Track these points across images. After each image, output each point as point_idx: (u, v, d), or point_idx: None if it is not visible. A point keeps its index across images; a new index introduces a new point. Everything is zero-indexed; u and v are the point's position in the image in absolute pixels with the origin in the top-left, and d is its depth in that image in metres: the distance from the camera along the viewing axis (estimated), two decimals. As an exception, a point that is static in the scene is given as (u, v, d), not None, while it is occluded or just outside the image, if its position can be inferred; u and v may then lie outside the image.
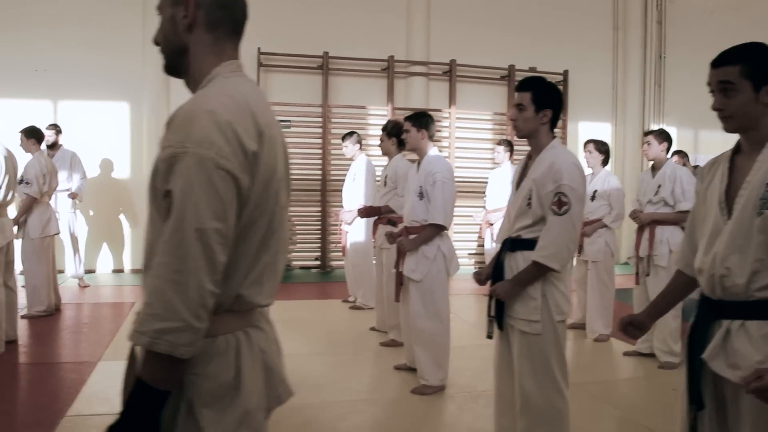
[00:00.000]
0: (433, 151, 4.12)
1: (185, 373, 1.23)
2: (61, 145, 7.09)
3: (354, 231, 6.16)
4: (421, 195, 4.04)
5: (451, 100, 9.00)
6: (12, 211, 5.29)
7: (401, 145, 5.07)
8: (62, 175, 7.07)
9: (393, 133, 5.10)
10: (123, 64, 8.05)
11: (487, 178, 7.17)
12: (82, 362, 4.43)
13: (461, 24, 9.02)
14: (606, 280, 5.34)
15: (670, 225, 4.56)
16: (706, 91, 1.80)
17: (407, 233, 4.09)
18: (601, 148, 5.53)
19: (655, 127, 9.95)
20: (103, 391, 3.85)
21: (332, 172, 8.53)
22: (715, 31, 9.81)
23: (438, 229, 3.97)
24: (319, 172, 8.55)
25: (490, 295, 2.79)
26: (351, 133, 6.39)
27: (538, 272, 2.62)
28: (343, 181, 6.48)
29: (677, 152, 6.77)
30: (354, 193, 6.20)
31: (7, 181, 4.64)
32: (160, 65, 1.44)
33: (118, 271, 8.34)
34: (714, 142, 9.30)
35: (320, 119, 8.55)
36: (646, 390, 4.17)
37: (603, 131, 9.58)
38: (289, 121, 8.53)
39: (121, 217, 8.38)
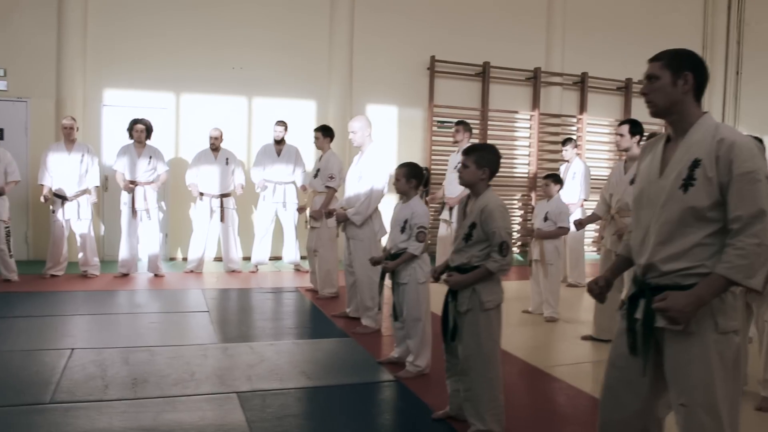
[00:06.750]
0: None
1: None
2: (285, 141, 7.74)
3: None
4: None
5: (582, 107, 10.14)
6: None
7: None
8: (288, 169, 7.76)
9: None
10: (311, 65, 8.68)
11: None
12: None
13: (590, 39, 10.16)
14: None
15: None
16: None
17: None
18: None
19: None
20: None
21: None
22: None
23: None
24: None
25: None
26: (569, 139, 7.43)
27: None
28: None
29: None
30: (571, 191, 7.27)
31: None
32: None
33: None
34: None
35: (478, 121, 9.48)
36: None
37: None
38: (449, 121, 9.42)
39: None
